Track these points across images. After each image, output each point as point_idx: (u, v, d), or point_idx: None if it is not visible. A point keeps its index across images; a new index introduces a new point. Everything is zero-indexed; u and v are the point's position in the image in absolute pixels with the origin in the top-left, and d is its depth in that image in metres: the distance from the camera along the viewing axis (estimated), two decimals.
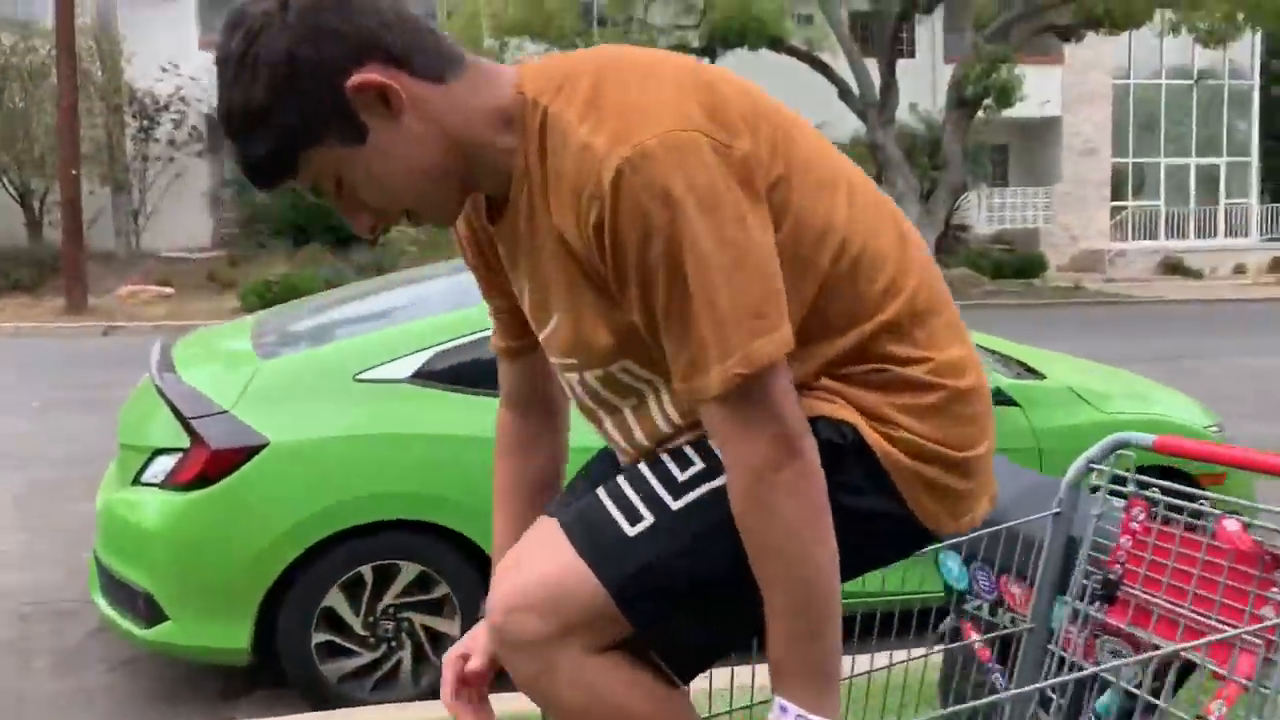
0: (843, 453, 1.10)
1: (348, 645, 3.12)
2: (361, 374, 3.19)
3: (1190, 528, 1.31)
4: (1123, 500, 1.44)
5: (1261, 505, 1.22)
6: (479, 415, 3.20)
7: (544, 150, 1.08)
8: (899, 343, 1.14)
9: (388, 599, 3.14)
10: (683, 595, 1.12)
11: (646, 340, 1.09)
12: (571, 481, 1.40)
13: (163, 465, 3.08)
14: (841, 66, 20.00)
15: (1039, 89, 23.14)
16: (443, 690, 1.28)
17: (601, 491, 1.17)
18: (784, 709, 1.06)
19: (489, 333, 3.39)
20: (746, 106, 1.08)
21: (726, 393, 1.02)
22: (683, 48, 20.86)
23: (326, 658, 3.11)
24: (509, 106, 1.11)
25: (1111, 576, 1.39)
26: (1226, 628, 1.22)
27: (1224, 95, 29.34)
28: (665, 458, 1.16)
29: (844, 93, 20.07)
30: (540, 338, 1.23)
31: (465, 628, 3.16)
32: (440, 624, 3.19)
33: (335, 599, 3.08)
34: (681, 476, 1.13)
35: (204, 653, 3.13)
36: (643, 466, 1.17)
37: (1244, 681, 1.15)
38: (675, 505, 1.12)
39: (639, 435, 1.21)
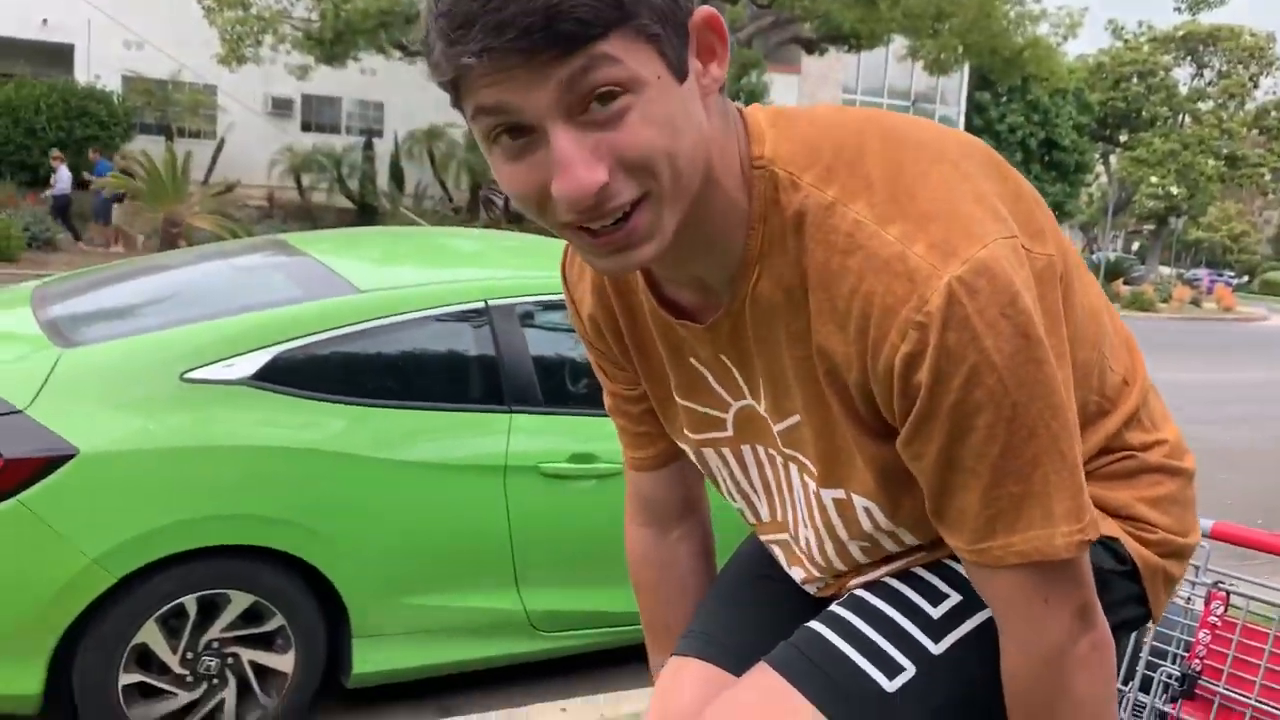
0: (1114, 575, 0.97)
1: (161, 686, 2.69)
2: (190, 372, 2.74)
3: None
4: (1184, 585, 1.42)
5: None
6: (325, 423, 2.87)
7: (795, 240, 0.87)
8: (1139, 428, 1.02)
9: (212, 633, 2.73)
10: None
11: (903, 485, 0.91)
12: (715, 608, 1.18)
13: None
14: None
15: (779, 96, 24.32)
16: None
17: (826, 630, 0.97)
18: None
19: (344, 331, 3.05)
20: (1028, 191, 0.92)
21: (1066, 559, 0.85)
22: None
23: (135, 701, 2.66)
24: (742, 165, 0.88)
25: (1190, 672, 1.35)
26: None
27: (935, 118, 32.00)
28: (902, 588, 0.98)
29: None
30: (763, 414, 1.00)
31: (302, 661, 2.81)
32: (271, 659, 2.81)
33: (150, 634, 2.64)
34: (935, 613, 0.96)
35: None
36: (875, 600, 0.98)
37: None
38: (937, 651, 0.95)
39: (855, 554, 1.02)
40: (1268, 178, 34.82)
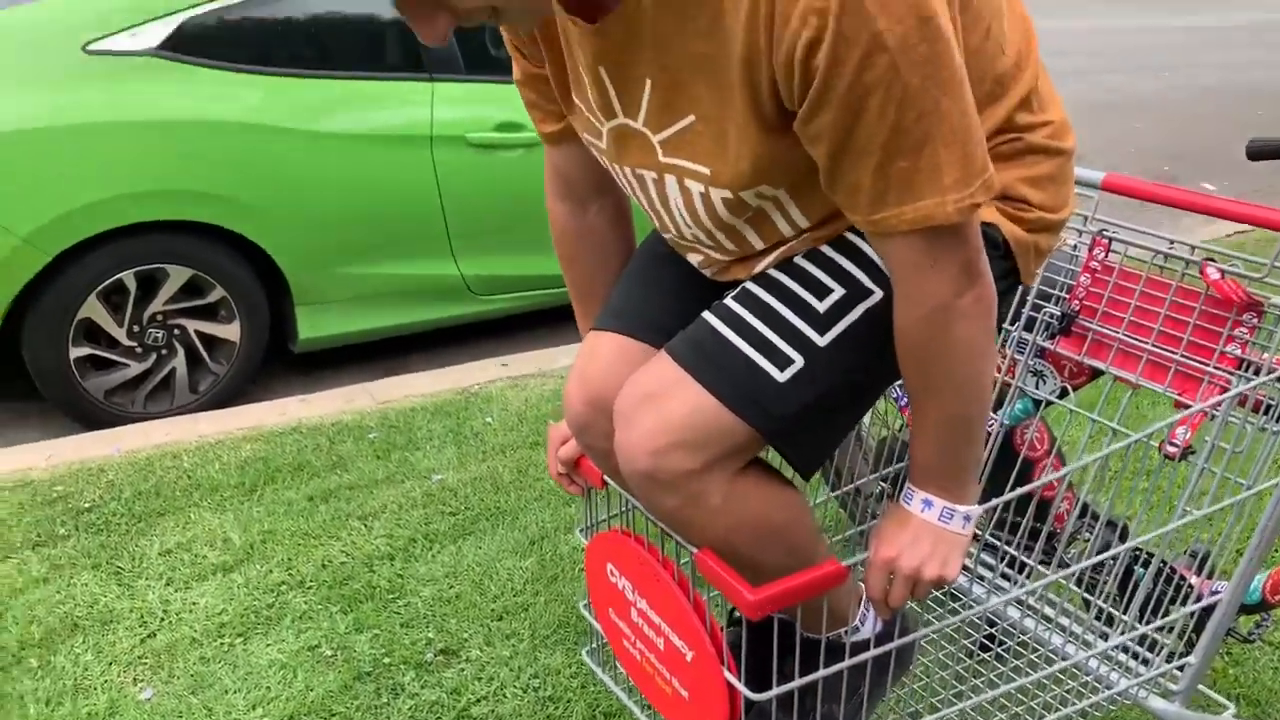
0: (990, 257, 1.06)
1: (111, 358, 2.79)
2: (93, 44, 2.63)
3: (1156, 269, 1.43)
4: (1071, 234, 1.53)
5: (1236, 254, 1.34)
6: (241, 94, 2.80)
7: None
8: (1027, 110, 1.08)
9: (155, 306, 2.80)
10: (840, 416, 1.09)
11: (797, 165, 0.96)
12: (629, 287, 1.27)
13: None
14: None
15: None
16: (549, 463, 1.34)
17: (721, 325, 1.06)
18: (929, 503, 1.08)
19: None
20: None
21: (953, 223, 0.92)
22: None
23: (89, 372, 2.77)
24: None
25: (1069, 311, 1.50)
26: (1192, 363, 1.37)
27: None
28: (791, 284, 1.06)
29: None
30: (639, 127, 1.03)
31: (246, 330, 2.92)
32: (217, 329, 2.91)
33: (93, 309, 2.71)
34: (821, 307, 1.05)
35: None
36: (765, 295, 1.05)
37: (1208, 409, 1.32)
38: (823, 342, 1.04)
39: (751, 240, 1.09)
40: None
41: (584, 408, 1.21)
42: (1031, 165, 1.09)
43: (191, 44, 2.73)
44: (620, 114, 1.04)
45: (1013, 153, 1.09)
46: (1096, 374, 1.56)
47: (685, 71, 0.95)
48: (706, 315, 1.09)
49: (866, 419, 1.90)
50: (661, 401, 1.05)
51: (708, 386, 1.04)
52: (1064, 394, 1.59)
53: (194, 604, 1.95)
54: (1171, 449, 1.34)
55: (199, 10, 2.73)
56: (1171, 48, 11.54)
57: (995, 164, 1.07)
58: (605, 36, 0.97)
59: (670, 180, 1.06)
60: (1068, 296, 1.52)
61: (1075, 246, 1.54)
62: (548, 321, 3.66)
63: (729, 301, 1.08)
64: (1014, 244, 1.10)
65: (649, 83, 0.98)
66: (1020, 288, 1.37)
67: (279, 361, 3.27)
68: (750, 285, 1.09)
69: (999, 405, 1.66)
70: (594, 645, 1.43)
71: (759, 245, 1.10)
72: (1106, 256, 1.49)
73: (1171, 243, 1.42)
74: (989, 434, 1.66)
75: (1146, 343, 1.44)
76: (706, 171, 1.01)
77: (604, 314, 1.25)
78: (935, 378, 1.02)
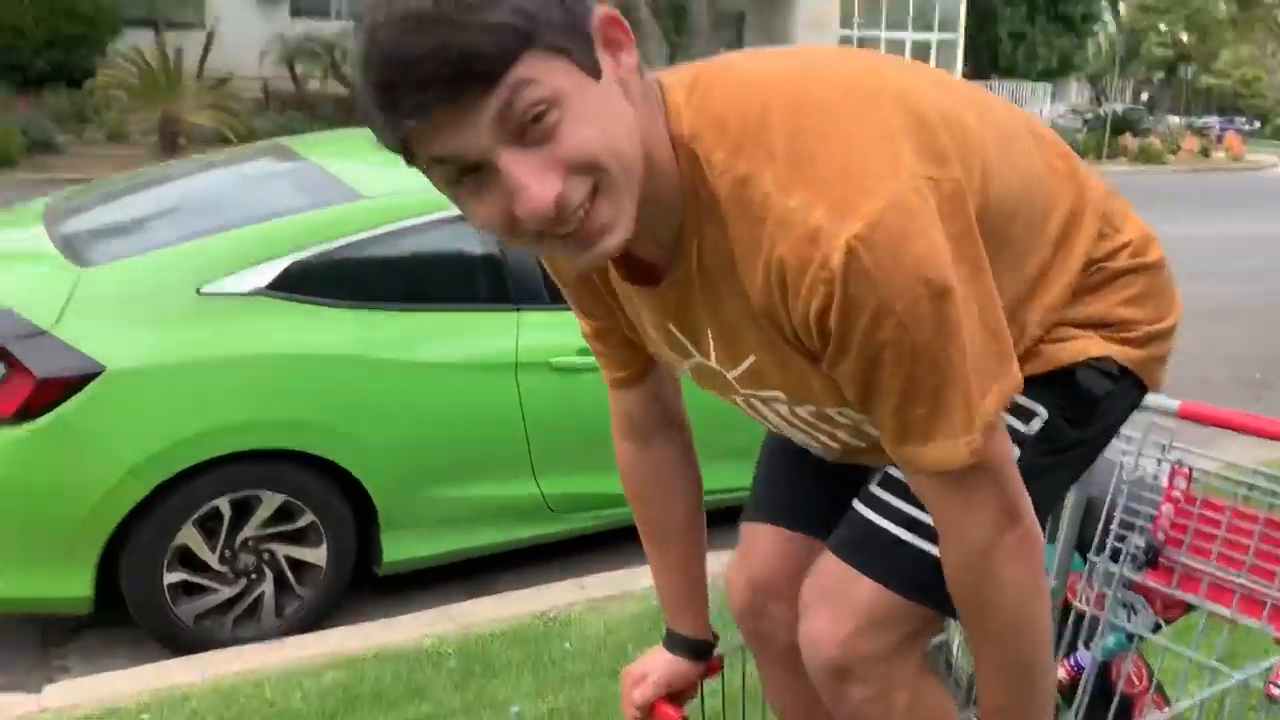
0: (1111, 394, 1.11)
1: (204, 583, 2.86)
2: (206, 286, 2.83)
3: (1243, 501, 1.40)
4: (1150, 461, 1.52)
5: None
6: (339, 328, 2.96)
7: (718, 214, 0.95)
8: (1101, 238, 1.12)
9: (247, 531, 2.89)
10: None
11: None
12: (769, 476, 1.35)
13: None
14: None
15: None
16: (624, 706, 1.35)
17: (874, 515, 1.14)
18: None
19: (353, 238, 3.12)
20: (950, 114, 0.98)
21: (965, 466, 0.94)
22: None
23: (180, 598, 2.84)
24: (671, 141, 0.95)
25: (1154, 543, 1.46)
26: None
27: None
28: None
29: None
30: (715, 367, 1.10)
31: (333, 554, 2.97)
32: (305, 553, 2.98)
33: (189, 536, 2.80)
34: None
35: (39, 605, 2.78)
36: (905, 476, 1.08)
37: None
38: None
39: (853, 440, 1.15)
40: None
41: (747, 595, 1.30)
42: (1123, 289, 1.13)
43: (296, 283, 2.92)
44: (696, 355, 1.11)
45: (1101, 282, 1.12)
46: (1190, 607, 1.50)
47: (734, 323, 1.02)
48: (859, 507, 1.16)
49: (956, 649, 1.84)
50: (839, 598, 1.12)
51: (879, 579, 1.10)
52: (1157, 628, 1.53)
53: None
54: (1276, 690, 1.28)
55: (302, 254, 2.93)
56: (1264, 252, 11.53)
57: (1087, 296, 1.12)
58: (664, 297, 1.05)
59: (756, 403, 1.13)
60: (1151, 527, 1.48)
61: (1156, 475, 1.52)
62: (628, 538, 3.65)
63: (875, 489, 1.15)
64: (1129, 365, 1.13)
65: (710, 331, 1.06)
66: (1092, 511, 1.38)
67: (361, 582, 3.31)
68: (892, 469, 1.13)
69: (1089, 639, 1.60)
70: None
71: (862, 444, 1.15)
72: (1189, 486, 1.46)
73: (1254, 472, 1.39)
74: (1082, 670, 1.59)
75: (1239, 576, 1.39)
76: (784, 395, 1.08)
77: (751, 506, 1.35)
78: (988, 623, 1.03)
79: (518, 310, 3.21)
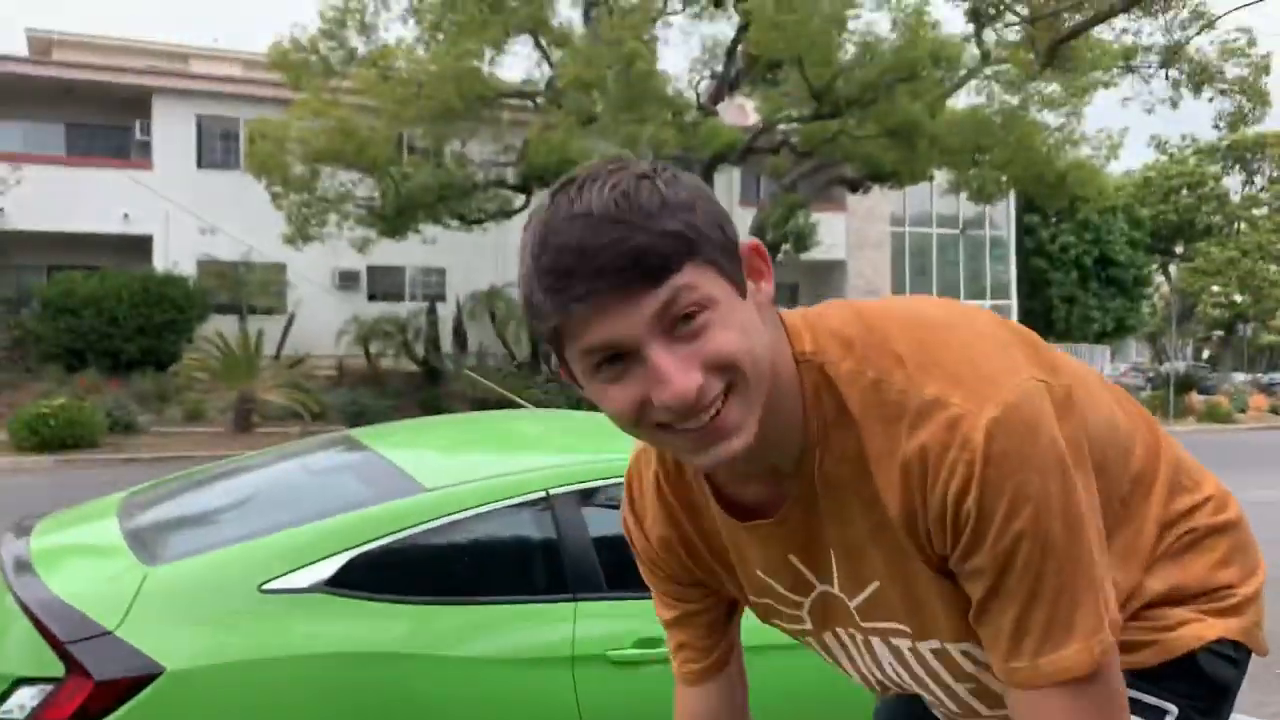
0: (1240, 674, 1.09)
1: None
2: (268, 583, 2.85)
3: None
4: None
5: None
6: (395, 625, 2.94)
7: (849, 420, 1.02)
8: (1183, 491, 1.12)
9: None
10: None
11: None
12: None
13: (26, 698, 2.62)
14: None
15: (825, 234, 24.68)
16: None
17: None
18: None
19: (413, 531, 3.15)
20: (1039, 340, 1.07)
21: (1089, 672, 0.95)
22: (500, 184, 21.11)
23: None
24: (794, 361, 1.05)
25: None
26: None
27: (986, 244, 32.15)
28: None
29: None
30: (839, 594, 1.11)
31: None
32: None
33: None
34: None
35: None
36: None
37: None
38: None
39: (965, 698, 1.12)
40: None
41: None
42: (1213, 549, 1.12)
43: (355, 578, 2.93)
44: (818, 584, 1.12)
45: (1190, 544, 1.11)
46: None
47: (858, 544, 1.05)
48: None
49: None
50: None
51: None
52: None
53: None
54: None
55: (365, 548, 2.96)
56: None
57: (1181, 561, 1.10)
58: (785, 524, 1.09)
59: (876, 641, 1.12)
60: None
61: None
62: None
63: None
64: (1241, 639, 1.09)
65: (833, 554, 1.09)
66: None
67: None
68: None
69: None
70: None
71: (980, 707, 1.11)
72: None
73: None
74: None
75: None
76: (907, 629, 1.08)
77: None
78: None
79: (574, 601, 3.17)
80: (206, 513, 3.45)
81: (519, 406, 7.30)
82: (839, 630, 1.14)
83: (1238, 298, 32.25)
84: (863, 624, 1.11)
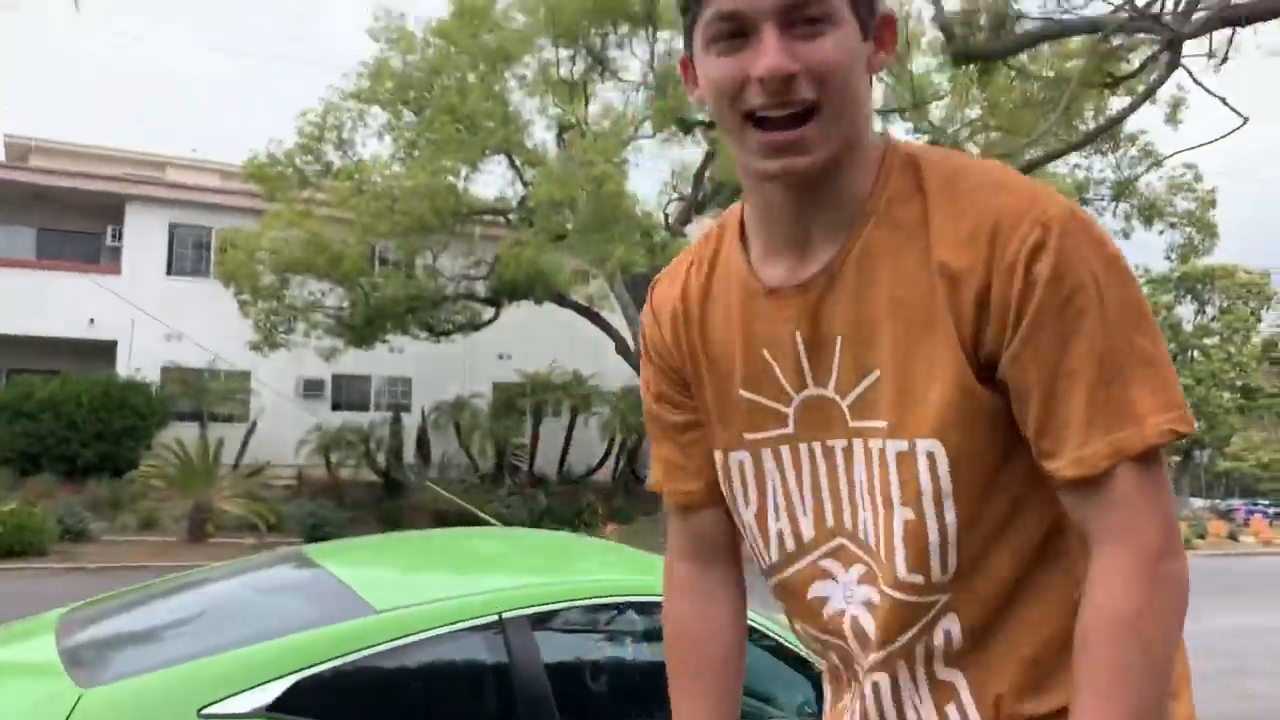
0: None
1: None
2: (208, 707, 2.77)
3: None
4: None
5: None
6: None
7: (922, 190, 1.09)
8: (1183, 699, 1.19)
9: None
10: None
11: (967, 427, 1.05)
12: None
13: None
14: (619, 323, 20.87)
15: None
16: None
17: None
18: None
19: (360, 654, 3.10)
20: None
21: (1151, 451, 0.99)
22: (470, 296, 21.28)
23: None
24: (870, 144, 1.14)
25: None
26: None
27: None
28: None
29: (621, 347, 20.86)
30: (831, 395, 1.14)
31: None
32: None
33: None
34: None
35: None
36: None
37: None
38: None
39: (898, 546, 1.11)
40: None
41: None
42: None
43: (299, 702, 2.85)
44: (811, 383, 1.14)
45: None
46: None
47: (875, 319, 1.08)
48: None
49: None
50: None
51: None
52: None
53: None
54: None
55: (309, 671, 2.89)
56: None
57: None
58: (807, 293, 1.13)
59: (858, 446, 1.12)
60: None
61: None
62: None
63: None
64: None
65: (840, 340, 1.12)
66: None
67: None
68: None
69: None
70: None
71: (908, 574, 1.10)
72: None
73: None
74: None
75: None
76: (885, 424, 1.09)
77: None
78: (1129, 655, 0.96)
79: None
80: (149, 631, 3.36)
81: (480, 520, 7.21)
82: (817, 443, 1.15)
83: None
84: (851, 422, 1.12)
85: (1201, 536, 27.87)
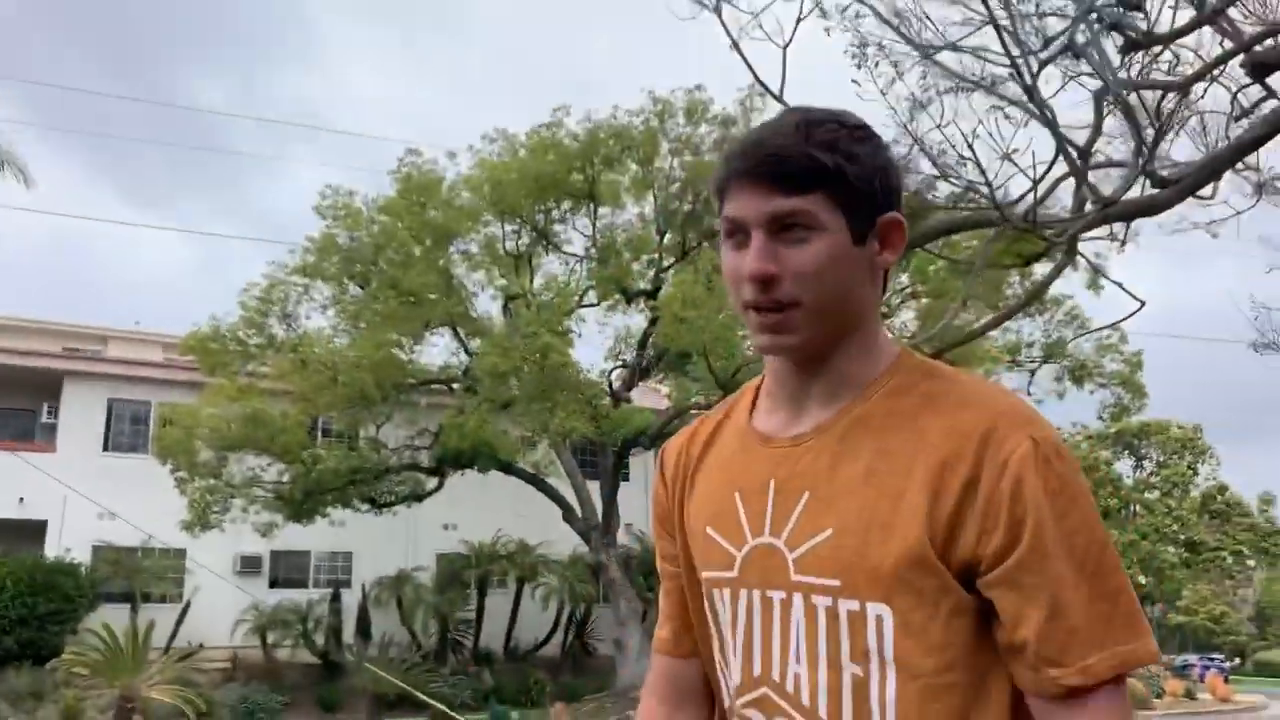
0: None
1: None
2: None
3: None
4: None
5: None
6: None
7: (929, 383, 1.21)
8: None
9: None
10: None
11: (918, 599, 1.12)
12: None
13: None
14: (566, 489, 20.75)
15: None
16: None
17: None
18: None
19: None
20: None
21: (1110, 680, 1.07)
22: (414, 466, 21.09)
23: None
24: (883, 341, 1.28)
25: None
26: None
27: None
28: None
29: (568, 514, 20.68)
30: (780, 546, 1.21)
31: None
32: None
33: None
34: None
35: None
36: None
37: None
38: None
39: (844, 692, 1.15)
40: (1229, 560, 35.29)
41: None
42: None
43: None
44: (767, 531, 1.23)
45: None
46: None
47: (847, 486, 1.17)
48: None
49: None
50: None
51: None
52: None
53: None
54: None
55: None
56: None
57: None
58: (796, 445, 1.25)
59: (797, 600, 1.19)
60: None
61: None
62: None
63: None
64: None
65: (806, 495, 1.21)
66: None
67: None
68: None
69: None
70: None
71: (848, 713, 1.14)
72: None
73: None
74: None
75: None
76: (837, 583, 1.15)
77: None
78: None
79: None
80: None
81: (420, 702, 6.92)
82: (756, 591, 1.22)
83: (1141, 579, 32.91)
84: (794, 576, 1.18)
85: (1159, 696, 27.54)
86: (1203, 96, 6.76)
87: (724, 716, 1.35)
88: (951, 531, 1.11)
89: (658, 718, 1.43)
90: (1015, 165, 5.49)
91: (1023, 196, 5.52)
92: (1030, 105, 5.21)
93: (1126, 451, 36.41)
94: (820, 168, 1.17)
